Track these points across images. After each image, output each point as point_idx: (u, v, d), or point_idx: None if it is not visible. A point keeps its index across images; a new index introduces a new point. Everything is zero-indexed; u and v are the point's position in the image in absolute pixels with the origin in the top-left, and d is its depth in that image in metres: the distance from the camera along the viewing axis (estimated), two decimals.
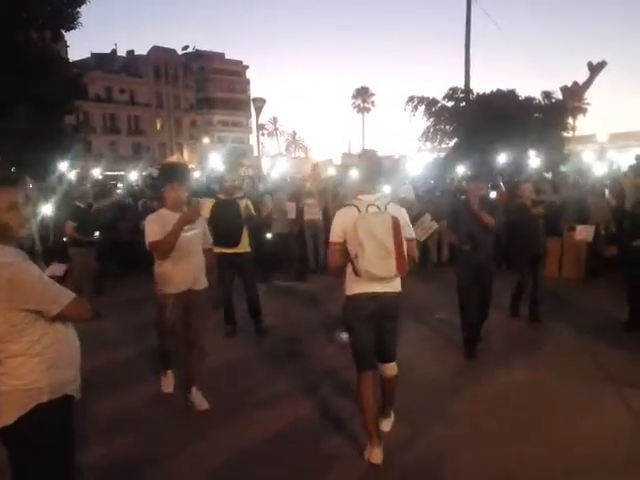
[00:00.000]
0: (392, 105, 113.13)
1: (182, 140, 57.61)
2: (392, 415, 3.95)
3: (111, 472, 3.54)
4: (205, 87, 62.15)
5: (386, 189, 9.75)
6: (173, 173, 4.36)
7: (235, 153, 33.05)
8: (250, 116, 59.68)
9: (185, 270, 4.16)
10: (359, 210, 3.47)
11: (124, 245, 10.09)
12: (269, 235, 9.44)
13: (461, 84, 21.50)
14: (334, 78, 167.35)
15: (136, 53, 55.33)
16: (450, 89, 21.14)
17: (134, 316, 7.13)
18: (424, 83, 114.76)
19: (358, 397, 3.60)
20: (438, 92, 21.94)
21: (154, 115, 55.29)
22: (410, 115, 21.22)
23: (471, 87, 21.41)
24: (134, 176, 15.88)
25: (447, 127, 21.04)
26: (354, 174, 4.02)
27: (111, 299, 8.01)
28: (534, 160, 15.15)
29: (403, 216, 3.58)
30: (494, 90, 20.49)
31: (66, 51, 25.07)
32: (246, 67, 66.98)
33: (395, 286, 3.57)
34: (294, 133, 76.38)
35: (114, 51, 54.70)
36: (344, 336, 5.89)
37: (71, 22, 20.24)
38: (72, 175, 14.78)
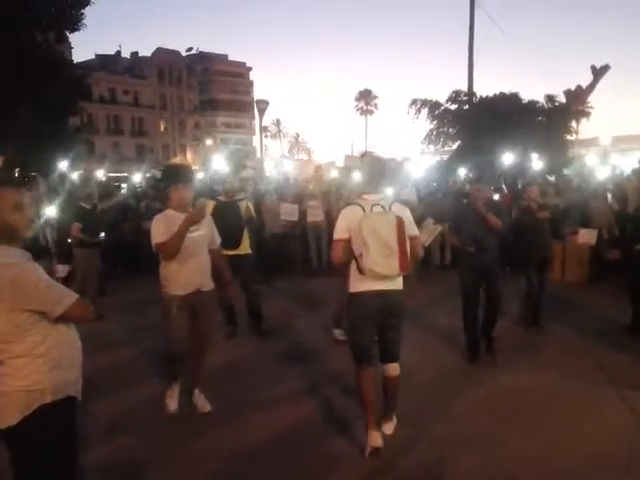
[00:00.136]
0: (395, 108, 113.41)
1: (185, 142, 57.74)
2: (395, 418, 3.95)
3: (113, 472, 3.54)
4: (208, 89, 62.31)
5: (389, 191, 9.79)
6: (177, 174, 4.28)
7: (238, 155, 33.05)
8: (253, 118, 59.71)
9: (191, 271, 4.07)
10: (364, 209, 3.56)
11: (127, 246, 10.12)
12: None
13: (464, 87, 21.54)
14: (337, 80, 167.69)
15: (140, 54, 55.59)
16: (453, 92, 21.17)
17: (137, 317, 7.14)
18: (427, 86, 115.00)
19: (358, 390, 3.70)
20: (441, 95, 21.98)
21: (158, 116, 55.43)
22: (413, 118, 21.26)
23: (474, 90, 21.45)
24: (137, 177, 15.90)
25: (450, 130, 21.05)
26: (358, 174, 4.01)
27: (114, 300, 8.02)
28: (537, 163, 15.14)
29: (407, 215, 3.67)
30: (497, 93, 20.49)
31: (70, 52, 25.20)
32: (249, 69, 67.14)
33: (398, 284, 3.67)
34: (297, 135, 76.63)
35: (118, 52, 54.92)
36: (337, 332, 5.96)
37: (75, 23, 20.32)
38: (75, 176, 14.81)
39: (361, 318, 3.66)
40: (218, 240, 4.42)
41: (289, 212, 9.78)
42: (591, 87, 18.98)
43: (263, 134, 24.22)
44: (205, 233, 4.18)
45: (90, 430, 3.77)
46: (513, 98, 19.97)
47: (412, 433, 3.92)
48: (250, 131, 65.45)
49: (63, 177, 13.83)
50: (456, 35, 65.99)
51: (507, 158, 14.94)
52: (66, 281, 2.41)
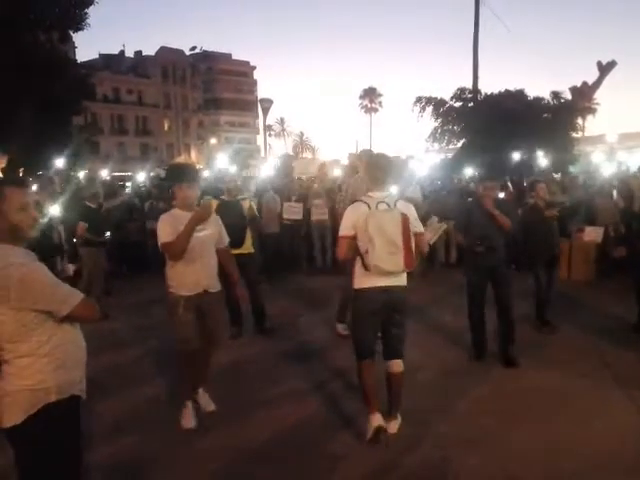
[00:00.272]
0: (400, 106, 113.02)
1: (189, 141, 57.82)
2: (399, 417, 3.95)
3: (117, 471, 3.54)
4: (212, 88, 62.36)
5: (393, 189, 9.76)
6: (181, 173, 4.23)
7: (242, 154, 33.07)
8: (257, 117, 59.80)
9: (198, 272, 3.99)
10: (369, 206, 3.63)
11: (132, 245, 10.13)
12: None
13: (469, 84, 21.47)
14: (342, 78, 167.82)
15: (144, 54, 55.63)
16: (458, 89, 21.08)
17: (142, 317, 7.15)
18: (432, 83, 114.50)
19: (361, 385, 3.81)
20: (446, 92, 21.88)
21: (162, 116, 55.53)
22: (418, 116, 21.19)
23: (479, 87, 21.37)
24: (141, 177, 15.92)
25: (455, 128, 20.96)
26: (364, 172, 4.02)
27: (119, 300, 8.03)
28: (542, 160, 15.08)
29: (412, 212, 3.75)
30: (502, 90, 20.40)
31: (74, 52, 25.23)
32: (253, 68, 67.16)
33: (402, 280, 3.73)
34: (301, 134, 76.51)
35: (122, 52, 55.05)
36: (340, 326, 5.96)
37: (79, 23, 20.35)
38: (80, 175, 14.85)
39: (365, 314, 3.73)
40: (226, 239, 4.34)
41: (294, 211, 9.76)
42: (597, 84, 18.87)
43: (267, 133, 24.22)
44: (212, 232, 4.10)
45: (94, 429, 3.78)
46: (518, 95, 19.86)
47: (416, 432, 3.91)
48: (254, 130, 65.49)
49: (67, 177, 13.87)
50: (461, 33, 66.02)
51: (512, 155, 14.89)
52: (73, 280, 2.40)
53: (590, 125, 23.59)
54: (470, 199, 9.24)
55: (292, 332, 6.44)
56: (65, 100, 19.31)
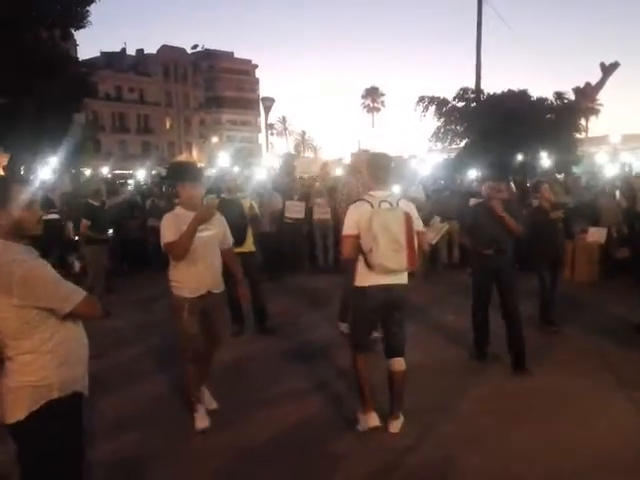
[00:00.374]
0: (402, 105, 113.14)
1: (191, 139, 57.84)
2: (401, 416, 3.95)
3: (118, 468, 3.54)
4: (214, 86, 62.37)
5: (396, 189, 9.75)
6: (185, 172, 4.20)
7: (243, 152, 33.11)
8: (259, 115, 59.77)
9: (201, 273, 3.93)
10: (372, 205, 3.66)
11: (132, 243, 10.13)
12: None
13: (472, 84, 21.43)
14: (344, 78, 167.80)
15: (145, 52, 55.61)
16: (461, 89, 21.06)
17: (143, 315, 7.16)
18: (435, 83, 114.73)
19: (357, 377, 3.91)
20: (449, 92, 21.79)
21: (163, 114, 55.53)
22: (420, 115, 21.16)
23: (482, 87, 21.34)
24: (142, 175, 15.94)
25: (458, 127, 20.94)
26: (365, 171, 4.03)
27: (120, 297, 8.03)
28: (545, 161, 15.06)
29: (413, 211, 3.81)
30: (505, 91, 20.38)
31: (75, 50, 25.25)
32: (255, 66, 67.16)
33: (403, 279, 3.79)
34: (303, 133, 76.45)
35: (123, 50, 55.03)
36: (343, 326, 5.94)
37: (80, 21, 20.35)
38: (87, 173, 14.87)
39: (365, 310, 3.80)
40: (230, 240, 4.28)
41: (296, 210, 9.74)
42: (600, 84, 18.84)
43: (269, 131, 24.23)
44: (216, 233, 4.04)
45: (96, 426, 3.77)
46: (521, 95, 19.84)
47: (418, 431, 3.90)
48: (256, 128, 65.49)
49: (72, 175, 13.88)
50: (464, 32, 65.70)
51: (515, 156, 14.87)
52: (79, 277, 2.40)
53: (593, 126, 23.58)
54: (473, 199, 9.28)
55: (293, 331, 6.42)
56: (66, 98, 19.31)
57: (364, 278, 3.73)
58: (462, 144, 21.07)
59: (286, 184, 10.65)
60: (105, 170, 19.46)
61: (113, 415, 4.23)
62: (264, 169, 12.91)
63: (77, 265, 2.52)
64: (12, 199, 2.25)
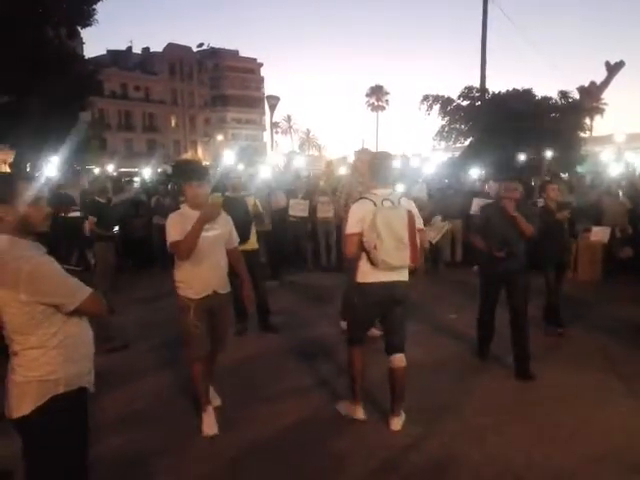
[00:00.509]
0: (406, 104, 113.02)
1: (196, 137, 57.90)
2: (403, 414, 3.97)
3: (122, 464, 3.56)
4: (219, 84, 62.41)
5: (399, 188, 9.77)
6: (191, 171, 4.18)
7: (248, 151, 33.08)
8: (264, 114, 59.88)
9: (207, 273, 3.88)
10: (375, 204, 3.69)
11: (137, 241, 10.17)
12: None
13: (477, 83, 21.40)
14: (348, 76, 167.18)
15: (151, 50, 55.67)
16: (465, 88, 21.03)
17: (147, 312, 7.18)
18: (439, 82, 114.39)
19: (350, 367, 4.03)
20: (453, 91, 21.79)
21: (169, 112, 55.60)
22: (425, 114, 21.15)
23: (487, 86, 21.29)
24: (148, 173, 15.99)
25: (462, 126, 20.92)
26: (366, 170, 4.06)
27: (125, 295, 8.05)
28: (547, 160, 15.02)
29: (414, 208, 3.88)
30: (510, 89, 20.33)
31: (82, 48, 25.31)
32: (260, 65, 67.15)
33: (405, 276, 3.85)
34: (308, 131, 76.48)
35: (129, 48, 55.08)
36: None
37: (87, 19, 20.42)
38: (95, 171, 14.92)
39: (365, 305, 3.86)
40: (236, 240, 4.23)
41: (299, 208, 9.77)
42: (605, 83, 18.76)
43: (274, 130, 24.22)
44: (222, 232, 3.99)
45: (100, 422, 3.79)
46: (526, 94, 19.79)
47: (419, 430, 3.91)
48: (261, 127, 65.53)
49: (76, 172, 13.93)
50: (469, 32, 65.75)
51: (520, 155, 14.83)
52: (89, 273, 2.43)
53: (598, 125, 23.45)
54: (476, 198, 9.28)
55: (296, 329, 6.44)
56: (72, 96, 19.37)
57: (366, 275, 3.78)
58: (466, 143, 21.05)
59: (290, 182, 10.67)
60: (111, 168, 19.48)
61: (117, 411, 4.26)
62: (269, 167, 12.91)
63: (92, 262, 2.57)
64: (18, 196, 2.25)
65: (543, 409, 4.25)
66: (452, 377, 4.92)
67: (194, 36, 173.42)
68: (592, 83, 18.97)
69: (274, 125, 26.14)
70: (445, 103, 20.90)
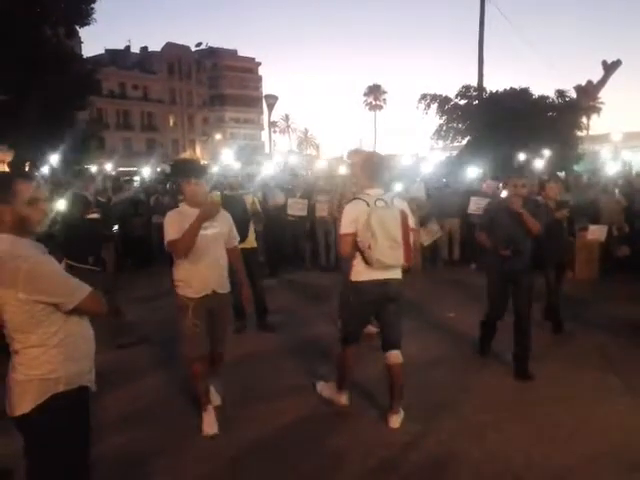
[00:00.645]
0: (404, 103, 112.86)
1: (194, 136, 57.81)
2: (401, 411, 3.98)
3: (123, 462, 3.57)
4: (217, 84, 62.34)
5: (398, 187, 9.78)
6: (189, 169, 4.20)
7: (246, 150, 33.08)
8: (262, 113, 59.81)
9: (205, 272, 3.84)
10: (368, 204, 3.73)
11: (137, 240, 10.18)
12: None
13: (474, 82, 21.41)
14: (347, 76, 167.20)
15: (150, 49, 55.59)
16: (463, 87, 21.04)
17: (147, 311, 7.18)
18: (437, 81, 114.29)
19: (341, 366, 4.09)
20: (451, 90, 21.80)
21: (167, 111, 55.52)
22: (423, 113, 21.16)
23: (484, 85, 21.31)
24: (147, 172, 16.01)
25: (460, 125, 20.92)
26: (359, 171, 4.10)
27: (125, 294, 8.04)
28: (544, 159, 15.04)
29: (407, 208, 3.91)
30: (507, 89, 20.36)
31: (80, 47, 25.29)
32: (258, 64, 67.10)
33: (398, 273, 3.90)
34: (306, 130, 76.46)
35: (128, 47, 54.99)
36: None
37: (85, 18, 20.42)
38: (94, 170, 14.90)
39: (360, 304, 3.88)
40: (236, 239, 4.20)
41: (298, 207, 9.78)
42: (602, 82, 18.82)
43: (272, 129, 24.23)
44: (221, 231, 3.96)
45: (102, 421, 3.79)
46: (523, 93, 19.81)
47: (418, 428, 3.92)
48: (259, 126, 65.47)
49: (78, 172, 13.91)
50: (466, 31, 65.58)
51: (518, 154, 14.85)
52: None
53: (594, 124, 23.51)
54: (473, 197, 9.30)
55: (294, 328, 6.44)
56: (71, 96, 19.36)
57: (360, 274, 3.82)
58: (464, 142, 21.06)
59: (289, 181, 10.68)
60: (109, 167, 19.47)
61: (119, 410, 4.26)
62: (267, 166, 12.95)
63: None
64: (16, 195, 2.25)
65: (542, 407, 4.25)
66: (451, 374, 4.93)
67: (193, 36, 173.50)
68: (589, 82, 19.01)
69: (272, 124, 26.16)
70: (443, 102, 20.90)
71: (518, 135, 16.48)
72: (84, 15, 20.27)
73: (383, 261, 3.69)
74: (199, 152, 53.06)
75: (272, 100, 17.34)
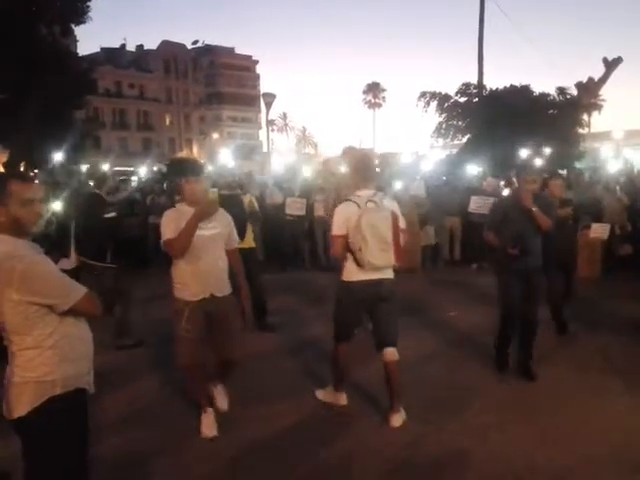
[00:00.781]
0: (403, 101, 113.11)
1: (191, 135, 57.73)
2: (402, 411, 3.95)
3: (122, 463, 3.54)
4: (214, 82, 62.22)
5: (398, 185, 9.72)
6: (188, 167, 4.08)
7: (244, 149, 33.05)
8: (260, 112, 59.70)
9: (203, 273, 3.72)
10: (359, 206, 3.79)
11: (133, 240, 10.06)
12: None
13: (474, 80, 21.39)
14: (345, 74, 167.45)
15: (146, 48, 55.47)
16: (463, 84, 21.05)
17: (144, 312, 7.10)
18: (437, 79, 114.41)
19: (334, 363, 4.14)
20: (451, 88, 21.76)
21: (163, 110, 55.41)
22: (422, 110, 21.12)
23: (484, 83, 21.29)
24: (143, 171, 15.94)
25: (460, 123, 20.90)
26: (350, 171, 4.11)
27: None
28: (544, 157, 15.00)
29: (397, 208, 3.97)
30: (508, 86, 20.32)
31: (75, 45, 25.21)
32: (256, 62, 66.97)
33: (390, 273, 3.96)
34: (304, 129, 76.44)
35: (123, 46, 54.86)
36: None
37: (80, 16, 20.37)
38: (82, 170, 14.81)
39: (351, 302, 3.96)
40: (236, 241, 4.09)
41: (296, 206, 9.70)
42: (603, 80, 18.81)
43: (269, 128, 24.14)
44: (221, 232, 3.85)
45: (100, 422, 3.75)
46: (524, 91, 19.80)
47: (419, 428, 3.89)
48: (256, 125, 65.39)
49: (69, 171, 13.82)
50: (466, 28, 65.57)
51: (519, 151, 14.81)
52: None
53: (595, 121, 23.49)
54: (474, 196, 9.23)
55: (293, 328, 6.40)
56: (67, 94, 19.26)
57: (352, 273, 3.89)
58: (464, 140, 21.02)
59: (287, 180, 10.61)
60: (105, 167, 19.37)
61: (118, 411, 4.24)
62: (265, 165, 12.89)
63: (68, 263, 2.55)
64: (11, 196, 2.25)
65: (544, 408, 4.22)
66: (453, 375, 4.89)
67: (189, 33, 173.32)
68: (590, 79, 18.99)
69: (270, 123, 26.07)
70: (442, 100, 20.89)
71: (518, 133, 16.43)
72: (79, 13, 20.21)
73: (374, 263, 3.75)
74: (196, 151, 53.00)
75: (270, 98, 17.23)
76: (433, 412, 4.12)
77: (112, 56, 51.16)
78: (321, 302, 7.42)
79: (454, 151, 21.37)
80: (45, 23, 19.58)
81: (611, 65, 18.41)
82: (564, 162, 16.18)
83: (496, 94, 20.22)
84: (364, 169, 3.96)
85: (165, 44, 55.34)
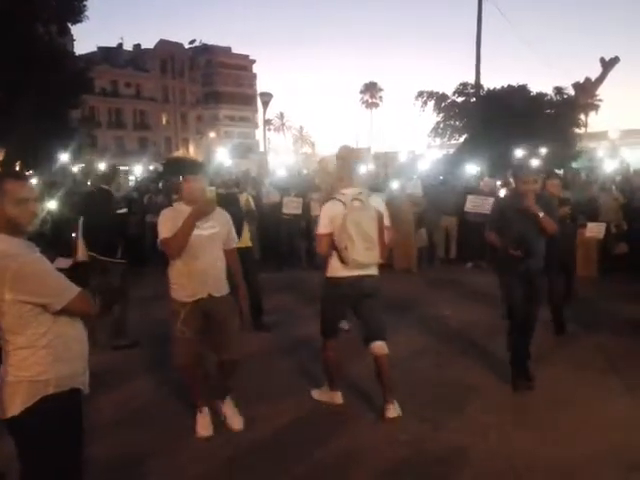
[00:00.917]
0: (401, 101, 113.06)
1: (188, 135, 57.58)
2: (396, 403, 3.96)
3: (117, 464, 3.52)
4: (211, 81, 62.09)
5: (394, 184, 9.73)
6: (187, 166, 4.10)
7: (241, 148, 32.99)
8: (257, 111, 59.53)
9: (200, 274, 3.67)
10: (344, 204, 3.83)
11: (130, 239, 10.03)
12: None
13: (472, 79, 21.40)
14: (342, 73, 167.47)
15: (142, 47, 55.29)
16: (460, 84, 21.06)
17: (140, 311, 7.08)
18: (434, 78, 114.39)
19: (325, 358, 4.18)
20: (448, 87, 21.76)
21: (160, 110, 55.26)
22: (420, 110, 21.14)
23: (482, 82, 21.31)
24: (139, 170, 15.92)
25: (457, 123, 20.93)
26: (337, 170, 4.14)
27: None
28: (541, 157, 15.03)
29: (382, 206, 4.04)
30: (505, 86, 20.35)
31: (72, 45, 25.13)
32: (253, 61, 66.87)
33: (374, 270, 4.02)
34: (301, 128, 76.28)
35: (120, 45, 54.70)
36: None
37: (77, 15, 20.32)
38: (76, 169, 14.79)
39: (336, 298, 4.04)
40: (234, 241, 4.03)
41: (293, 205, 9.70)
42: (600, 80, 18.86)
43: (267, 127, 24.11)
44: (219, 232, 3.80)
45: (95, 422, 3.73)
46: (521, 91, 19.83)
47: (417, 426, 3.89)
48: (253, 124, 65.29)
49: (65, 170, 13.80)
50: (464, 28, 65.55)
51: (515, 151, 14.83)
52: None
53: (592, 121, 23.56)
54: (470, 195, 9.22)
55: (289, 327, 6.39)
56: (63, 93, 19.21)
57: (336, 270, 3.95)
58: (461, 140, 21.05)
59: (284, 179, 10.61)
60: (102, 166, 19.34)
61: (113, 411, 4.22)
62: (263, 164, 12.89)
63: (66, 262, 2.53)
64: (6, 195, 2.25)
65: (542, 407, 4.22)
66: (451, 374, 4.89)
67: (186, 33, 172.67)
68: (587, 79, 19.04)
69: (267, 122, 26.04)
70: (440, 99, 20.91)
71: (516, 132, 16.45)
72: (76, 12, 20.16)
73: (359, 261, 3.82)
74: (193, 151, 52.88)
75: (267, 98, 17.24)
76: (432, 410, 4.12)
77: (109, 55, 51.03)
78: (317, 301, 7.38)
79: (451, 151, 21.41)
80: (42, 22, 19.52)
81: (608, 65, 18.47)
82: (561, 162, 16.21)
83: (493, 94, 20.25)
84: (347, 168, 4.00)
85: (162, 43, 55.20)
